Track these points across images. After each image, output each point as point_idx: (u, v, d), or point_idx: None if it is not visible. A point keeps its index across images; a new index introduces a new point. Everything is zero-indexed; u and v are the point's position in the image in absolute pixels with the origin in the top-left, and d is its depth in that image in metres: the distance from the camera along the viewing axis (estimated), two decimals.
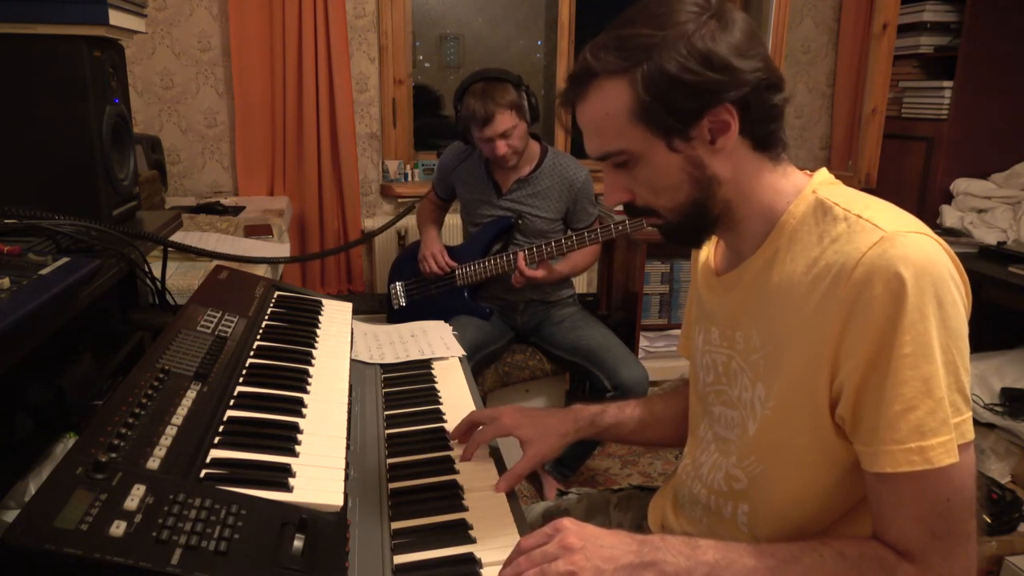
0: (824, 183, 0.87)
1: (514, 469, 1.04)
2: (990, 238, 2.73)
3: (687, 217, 0.88)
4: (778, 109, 0.84)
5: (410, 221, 3.14)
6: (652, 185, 0.87)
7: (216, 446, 0.86)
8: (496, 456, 1.10)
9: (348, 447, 0.96)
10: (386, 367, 1.38)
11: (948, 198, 3.12)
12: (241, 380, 1.03)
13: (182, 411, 0.88)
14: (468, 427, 1.11)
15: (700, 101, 0.80)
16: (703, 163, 0.84)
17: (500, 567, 0.81)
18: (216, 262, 1.48)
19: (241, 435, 0.89)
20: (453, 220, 2.90)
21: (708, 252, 1.02)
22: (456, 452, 1.09)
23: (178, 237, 1.40)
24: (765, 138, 0.85)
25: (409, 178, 3.28)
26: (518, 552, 0.80)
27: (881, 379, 0.75)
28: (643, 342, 3.24)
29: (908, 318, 0.73)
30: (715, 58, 0.79)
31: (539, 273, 2.32)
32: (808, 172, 0.90)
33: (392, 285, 2.65)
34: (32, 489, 0.88)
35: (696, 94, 0.80)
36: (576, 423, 1.14)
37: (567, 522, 0.81)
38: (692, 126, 0.82)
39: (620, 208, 3.33)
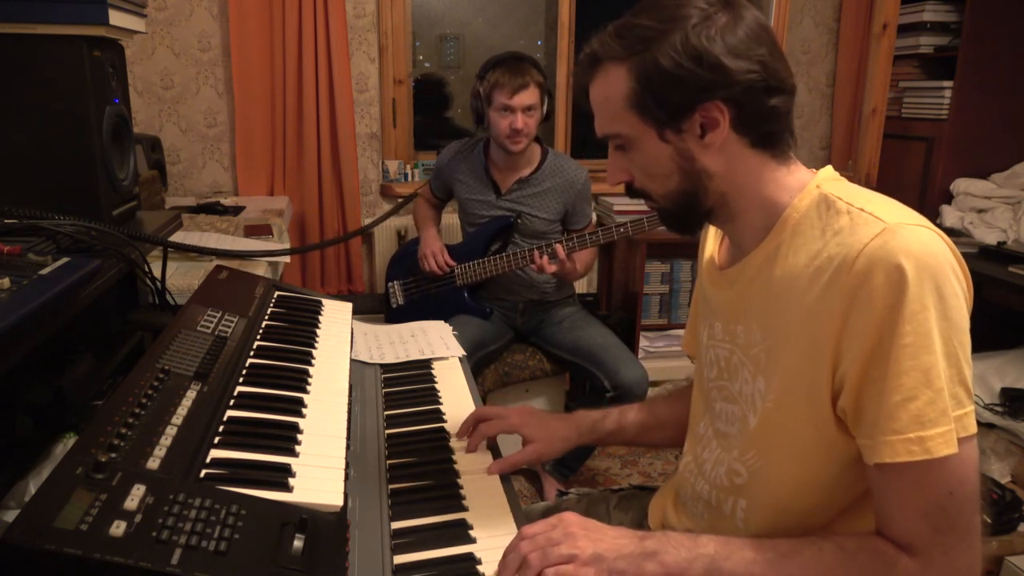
0: (828, 179, 0.88)
1: (510, 458, 1.08)
2: (990, 238, 2.73)
3: (678, 205, 0.90)
4: (777, 111, 0.84)
5: (409, 221, 3.13)
6: (645, 170, 0.89)
7: (216, 446, 0.86)
8: (495, 453, 1.11)
9: (348, 447, 0.96)
10: (386, 367, 1.38)
11: (948, 198, 3.12)
12: (241, 380, 1.03)
13: (182, 411, 0.88)
14: (475, 422, 1.13)
15: (689, 97, 0.82)
16: (693, 156, 0.85)
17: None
18: (217, 262, 1.48)
19: (241, 435, 0.90)
20: (451, 219, 2.90)
21: (714, 247, 1.02)
22: (457, 453, 1.09)
23: (178, 237, 1.40)
24: (765, 137, 0.86)
25: (409, 178, 3.28)
26: (521, 538, 0.81)
27: (882, 370, 0.75)
28: (643, 342, 3.23)
29: (908, 308, 0.73)
30: (707, 56, 0.80)
31: (567, 265, 2.29)
32: (814, 170, 0.91)
33: (390, 283, 2.65)
34: (32, 489, 0.88)
35: (685, 89, 0.82)
36: (578, 429, 1.17)
37: (570, 515, 0.84)
38: (682, 120, 0.84)
39: (620, 209, 3.32)
